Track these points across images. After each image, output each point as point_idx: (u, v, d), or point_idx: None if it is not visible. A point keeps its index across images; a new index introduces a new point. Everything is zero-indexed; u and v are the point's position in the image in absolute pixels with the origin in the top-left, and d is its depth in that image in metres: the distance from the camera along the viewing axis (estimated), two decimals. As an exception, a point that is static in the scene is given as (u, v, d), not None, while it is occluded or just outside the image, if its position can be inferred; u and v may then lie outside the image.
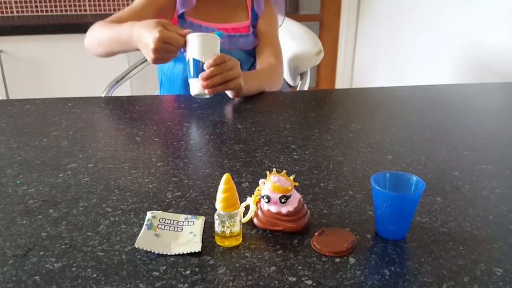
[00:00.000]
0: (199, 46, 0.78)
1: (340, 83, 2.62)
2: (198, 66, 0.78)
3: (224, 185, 0.41)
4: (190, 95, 0.82)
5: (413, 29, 1.97)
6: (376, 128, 0.73)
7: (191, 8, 1.01)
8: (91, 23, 2.12)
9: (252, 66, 1.09)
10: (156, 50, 0.76)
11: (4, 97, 2.01)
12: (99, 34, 0.93)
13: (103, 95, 1.31)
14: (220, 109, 0.82)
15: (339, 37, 2.55)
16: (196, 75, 0.78)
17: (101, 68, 2.01)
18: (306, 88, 1.26)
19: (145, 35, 0.77)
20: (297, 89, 1.26)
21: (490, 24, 1.52)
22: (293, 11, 3.23)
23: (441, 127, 0.73)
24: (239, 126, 0.73)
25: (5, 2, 2.26)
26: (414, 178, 0.42)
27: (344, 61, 2.58)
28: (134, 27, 0.80)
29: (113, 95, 1.28)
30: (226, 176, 0.41)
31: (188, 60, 0.80)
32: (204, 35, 0.78)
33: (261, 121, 0.75)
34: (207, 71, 0.77)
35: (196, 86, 0.79)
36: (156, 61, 0.79)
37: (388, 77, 2.21)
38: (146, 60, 1.45)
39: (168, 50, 0.77)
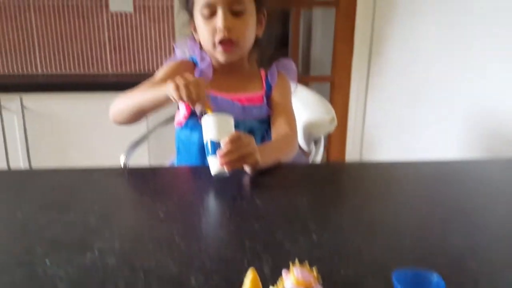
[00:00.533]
0: (214, 128, 0.82)
1: (351, 142, 2.65)
2: (215, 146, 0.82)
3: (250, 284, 0.42)
4: (208, 165, 0.85)
5: (425, 93, 2.03)
6: (392, 209, 0.74)
7: (207, 82, 1.06)
8: (112, 82, 2.22)
9: (266, 133, 1.12)
10: (182, 85, 0.82)
11: (25, 153, 2.07)
12: (126, 99, 0.98)
13: (123, 157, 1.35)
14: (238, 182, 0.84)
15: (350, 98, 2.61)
16: (214, 153, 0.82)
17: (118, 127, 2.08)
18: (320, 154, 1.29)
19: (178, 77, 0.83)
20: (312, 155, 1.29)
21: (506, 94, 1.56)
22: (304, 73, 3.34)
23: (455, 208, 0.75)
24: (257, 202, 0.75)
25: (30, 61, 2.37)
26: (435, 277, 0.43)
27: (354, 121, 2.63)
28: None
29: (132, 157, 1.33)
30: (252, 276, 0.42)
31: (206, 142, 0.83)
32: (218, 116, 0.83)
33: (279, 196, 0.78)
34: (223, 149, 0.80)
35: (215, 164, 0.82)
36: (175, 91, 0.83)
37: (399, 140, 2.24)
38: (164, 123, 1.51)
39: (191, 93, 0.82)
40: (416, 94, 2.09)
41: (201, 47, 1.11)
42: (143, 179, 0.86)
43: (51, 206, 0.73)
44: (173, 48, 1.20)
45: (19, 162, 2.09)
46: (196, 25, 1.07)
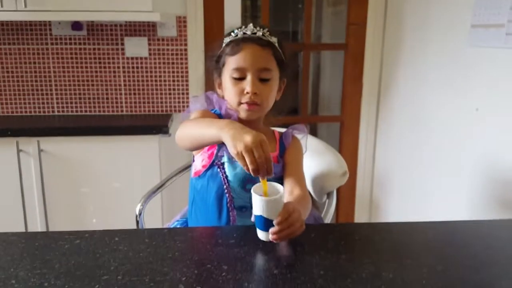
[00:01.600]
0: (267, 207, 0.86)
1: (361, 182, 2.67)
2: (267, 223, 0.86)
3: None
4: (225, 226, 0.89)
5: (435, 135, 2.05)
6: (407, 278, 0.76)
7: None
8: (127, 126, 2.28)
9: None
10: (252, 146, 0.82)
11: (41, 196, 2.11)
12: (190, 126, 1.03)
13: (138, 206, 1.39)
14: (254, 248, 0.87)
15: (359, 138, 2.65)
16: (263, 227, 0.87)
17: (136, 168, 2.13)
18: (333, 206, 1.32)
19: (247, 131, 0.85)
20: (325, 206, 1.32)
21: None
22: (313, 113, 3.39)
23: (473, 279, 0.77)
24: (275, 272, 0.78)
25: (47, 102, 2.44)
26: None
27: (364, 161, 2.65)
28: (222, 132, 0.89)
29: (147, 206, 1.36)
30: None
31: (258, 216, 0.87)
32: (270, 200, 0.86)
33: (295, 265, 0.80)
34: (276, 228, 0.84)
35: (264, 236, 0.87)
36: (239, 158, 0.84)
37: (410, 182, 2.26)
38: (178, 173, 1.54)
39: (259, 156, 0.82)
40: (426, 136, 2.12)
41: None
42: (163, 243, 0.88)
43: (77, 276, 0.76)
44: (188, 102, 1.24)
45: (34, 205, 2.13)
46: (223, 83, 1.15)
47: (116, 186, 2.16)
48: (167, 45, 2.41)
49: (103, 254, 0.84)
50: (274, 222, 0.84)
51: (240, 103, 1.10)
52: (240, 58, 1.08)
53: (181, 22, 2.39)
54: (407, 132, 2.29)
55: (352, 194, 2.71)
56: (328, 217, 1.28)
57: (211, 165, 1.12)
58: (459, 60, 1.87)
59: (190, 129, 1.02)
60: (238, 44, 1.09)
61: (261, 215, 0.86)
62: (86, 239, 0.90)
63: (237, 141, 0.83)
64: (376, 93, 2.56)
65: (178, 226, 1.24)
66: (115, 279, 0.75)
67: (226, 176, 1.11)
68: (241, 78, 1.09)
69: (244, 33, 1.10)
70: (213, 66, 1.18)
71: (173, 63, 2.43)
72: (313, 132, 3.26)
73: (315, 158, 1.38)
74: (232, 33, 1.12)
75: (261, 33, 1.10)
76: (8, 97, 2.42)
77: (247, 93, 1.08)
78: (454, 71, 1.91)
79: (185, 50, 2.42)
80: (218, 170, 1.11)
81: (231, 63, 1.10)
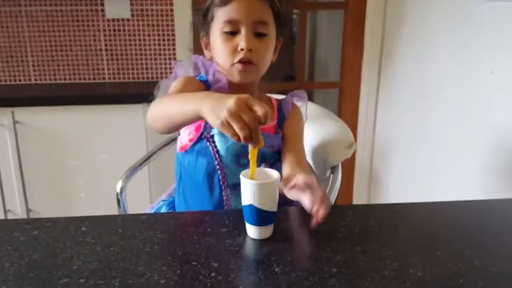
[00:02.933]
0: (257, 194, 0.69)
1: (361, 150, 2.53)
2: (255, 213, 0.70)
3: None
4: (216, 211, 0.78)
5: (439, 100, 1.90)
6: (439, 276, 0.62)
7: None
8: (109, 94, 2.10)
9: (275, 163, 1.01)
10: (237, 109, 0.64)
11: (18, 170, 1.95)
12: (162, 106, 0.83)
13: (120, 183, 1.24)
14: (250, 239, 0.72)
15: (360, 105, 2.49)
16: (253, 221, 0.71)
17: (119, 141, 1.97)
18: (338, 182, 1.17)
19: (228, 96, 0.66)
20: (329, 183, 1.17)
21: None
22: (309, 79, 3.21)
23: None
24: (276, 270, 0.63)
25: (22, 70, 2.25)
26: None
27: (364, 129, 2.50)
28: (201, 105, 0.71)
29: (131, 181, 1.21)
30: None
31: (244, 207, 0.72)
32: (263, 185, 0.69)
33: (301, 260, 0.65)
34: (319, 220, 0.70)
35: (254, 232, 0.72)
36: (225, 127, 0.66)
37: (412, 150, 2.12)
38: (166, 145, 1.38)
39: (249, 119, 0.64)
40: (432, 102, 1.96)
41: None
42: (140, 234, 0.73)
43: (29, 278, 0.60)
44: (172, 67, 1.07)
45: (12, 181, 1.97)
46: (212, 42, 0.98)
47: (100, 158, 2.00)
48: (151, 4, 2.19)
49: (65, 248, 0.68)
50: (313, 209, 0.69)
51: (232, 64, 0.94)
52: (232, 9, 0.92)
53: (166, -21, 2.18)
54: (412, 99, 2.13)
55: (351, 165, 2.57)
56: (334, 195, 1.13)
57: (199, 139, 0.97)
58: (471, 17, 1.69)
59: (163, 107, 0.83)
60: None
61: (251, 205, 0.70)
62: (47, 230, 0.74)
63: (218, 109, 0.66)
64: (378, 56, 2.38)
65: (163, 208, 1.09)
66: (77, 283, 0.60)
67: (217, 151, 0.95)
68: (234, 33, 0.93)
69: None
70: (200, 22, 1.01)
71: (158, 25, 2.22)
72: (309, 100, 3.08)
73: (317, 127, 1.22)
74: None
75: None
76: (-21, 64, 2.22)
77: (241, 49, 0.92)
78: (465, 29, 1.73)
79: (171, 10, 2.21)
80: (208, 144, 0.96)
81: (222, 15, 0.93)
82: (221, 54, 0.95)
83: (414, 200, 0.88)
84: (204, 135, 0.96)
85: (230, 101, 0.65)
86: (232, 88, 0.98)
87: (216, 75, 0.98)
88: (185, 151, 1.00)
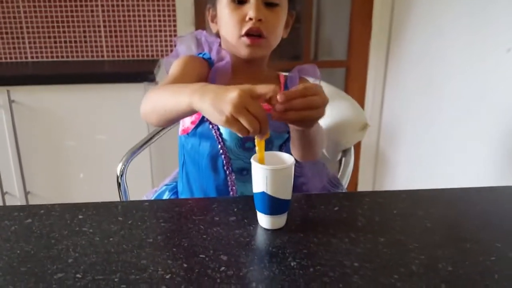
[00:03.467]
0: (270, 180, 0.63)
1: (367, 133, 2.45)
2: (268, 201, 0.64)
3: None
4: (223, 197, 0.72)
5: (450, 82, 1.82)
6: (472, 271, 0.56)
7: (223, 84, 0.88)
8: (108, 72, 2.03)
9: (284, 144, 0.95)
10: (242, 101, 0.58)
11: (15, 151, 1.89)
12: (155, 98, 0.77)
13: (120, 166, 1.18)
14: (262, 228, 0.66)
15: (367, 84, 2.41)
16: (266, 210, 0.65)
17: (119, 121, 1.90)
18: (351, 166, 1.11)
19: (226, 88, 0.60)
20: (341, 166, 1.11)
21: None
22: (314, 58, 3.11)
23: None
24: (292, 264, 0.57)
25: (19, 48, 2.17)
26: None
27: (371, 110, 2.43)
28: (194, 99, 0.64)
29: (131, 163, 1.15)
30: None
31: (256, 194, 0.65)
32: (277, 170, 0.63)
33: (319, 255, 0.59)
34: (283, 105, 0.61)
35: (267, 222, 0.66)
36: (232, 118, 0.59)
37: (419, 132, 2.05)
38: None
39: (256, 111, 0.59)
40: (443, 82, 1.88)
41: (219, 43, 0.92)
42: (142, 222, 0.67)
43: (21, 273, 0.55)
44: (174, 43, 0.99)
45: (9, 163, 1.91)
46: (218, 13, 0.90)
47: (99, 139, 1.94)
48: (151, -22, 2.10)
49: (61, 239, 0.63)
50: (279, 98, 0.60)
51: (240, 36, 0.86)
52: None
53: (167, -50, 2.08)
54: (421, 79, 2.05)
55: (357, 146, 2.50)
56: (346, 179, 1.07)
57: (201, 121, 0.90)
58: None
59: (154, 101, 0.76)
60: None
61: (263, 192, 0.64)
62: (41, 217, 0.69)
63: (221, 104, 0.59)
64: (386, 34, 2.29)
65: (166, 194, 1.02)
66: (73, 278, 0.54)
67: (220, 134, 0.88)
68: (243, 2, 0.85)
69: None
70: None
71: None
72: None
73: (328, 108, 1.15)
74: None
75: None
76: (-28, 42, 2.14)
77: (250, 19, 0.84)
78: (479, 6, 1.65)
79: (173, -16, 2.12)
80: (210, 126, 0.89)
81: None
82: (228, 25, 0.87)
83: (421, 184, 0.82)
84: (206, 118, 0.89)
85: (233, 94, 0.58)
86: (239, 65, 0.91)
87: (219, 52, 0.91)
88: (187, 134, 0.93)
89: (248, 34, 0.85)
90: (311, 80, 1.00)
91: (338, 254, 0.59)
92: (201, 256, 0.59)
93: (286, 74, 1.01)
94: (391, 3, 2.23)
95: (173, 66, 0.89)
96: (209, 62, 0.91)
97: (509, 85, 1.50)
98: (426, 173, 2.00)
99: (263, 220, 0.66)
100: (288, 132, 0.94)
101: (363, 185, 2.55)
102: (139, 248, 0.60)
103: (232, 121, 0.58)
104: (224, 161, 0.89)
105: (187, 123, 0.93)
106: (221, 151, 0.89)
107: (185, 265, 0.57)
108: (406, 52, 2.19)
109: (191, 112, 0.67)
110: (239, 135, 0.60)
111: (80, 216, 0.69)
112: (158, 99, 0.75)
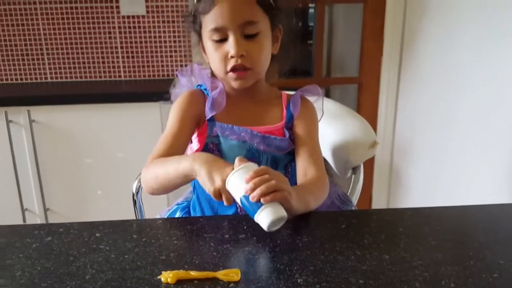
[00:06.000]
0: (240, 183, 0.69)
1: (381, 148, 2.47)
2: (249, 201, 0.68)
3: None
4: (234, 215, 0.78)
5: (464, 97, 1.83)
6: (475, 286, 0.58)
7: (220, 111, 0.92)
8: (125, 92, 2.08)
9: (290, 164, 0.97)
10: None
11: (35, 170, 1.95)
12: (154, 171, 0.85)
13: (135, 184, 1.21)
14: (270, 246, 0.69)
15: (379, 100, 2.43)
16: (257, 207, 0.69)
17: (136, 139, 1.95)
18: (360, 182, 1.13)
19: (208, 181, 0.74)
20: (351, 183, 1.13)
21: None
22: (326, 75, 3.14)
23: None
24: (299, 280, 0.59)
25: (38, 68, 2.25)
26: None
27: (384, 127, 2.44)
28: (195, 164, 0.77)
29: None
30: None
31: (243, 202, 0.69)
32: (236, 173, 0.70)
33: (325, 272, 0.61)
34: (250, 184, 0.68)
35: (263, 219, 0.69)
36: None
37: (433, 148, 2.05)
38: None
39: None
40: (456, 97, 1.89)
41: (211, 72, 0.96)
42: (155, 240, 0.70)
43: (37, 286, 0.58)
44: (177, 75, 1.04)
45: (29, 180, 1.97)
46: (205, 48, 0.93)
47: (117, 156, 1.99)
48: (166, 1, 2.17)
49: (79, 256, 0.66)
50: (245, 179, 0.69)
51: (226, 72, 0.88)
52: (215, 15, 0.85)
53: (181, -26, 2.15)
54: (434, 94, 2.06)
55: (371, 162, 2.51)
56: (355, 196, 1.09)
57: (205, 149, 0.94)
58: (499, 6, 1.62)
59: (152, 173, 0.85)
60: None
61: (241, 197, 0.70)
62: (60, 235, 0.72)
63: (210, 181, 0.74)
64: (398, 50, 2.31)
65: (178, 213, 1.05)
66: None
67: (224, 159, 0.92)
68: (223, 40, 0.87)
69: None
70: (191, 28, 0.95)
71: (173, 21, 2.20)
72: (326, 96, 3.02)
73: (337, 126, 1.17)
74: None
75: None
76: (-5, 63, 2.22)
77: (232, 57, 0.86)
78: (492, 20, 1.66)
79: (186, 6, 2.18)
80: (214, 154, 0.92)
81: (207, 23, 0.87)
82: (213, 63, 0.90)
83: (437, 202, 0.83)
84: (209, 145, 0.93)
85: (211, 188, 0.73)
86: (235, 92, 0.95)
87: (211, 83, 0.94)
88: None
89: (234, 69, 0.87)
90: (313, 98, 1.03)
91: (344, 271, 0.61)
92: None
93: (290, 93, 1.04)
94: (402, 19, 2.26)
95: (171, 112, 0.94)
96: (206, 93, 0.95)
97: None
98: (441, 189, 2.00)
99: (262, 218, 0.68)
100: (293, 151, 0.96)
101: (378, 201, 2.55)
102: (152, 265, 0.63)
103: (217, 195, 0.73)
104: None
105: (193, 151, 0.97)
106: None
107: (195, 281, 0.59)
108: (418, 67, 2.20)
109: (190, 178, 0.79)
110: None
111: (97, 234, 0.72)
112: (156, 171, 0.84)
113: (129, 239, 0.71)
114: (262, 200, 0.68)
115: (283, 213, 0.69)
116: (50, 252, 0.67)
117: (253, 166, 0.71)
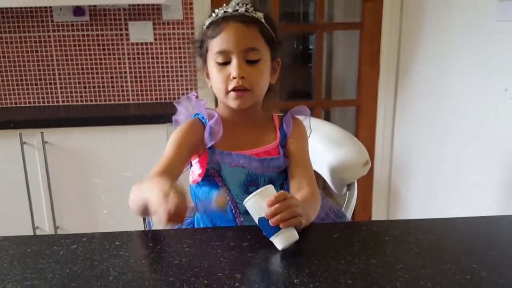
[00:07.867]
0: (259, 205, 0.77)
1: (379, 166, 2.56)
2: (267, 223, 0.77)
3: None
4: (239, 226, 0.85)
5: (458, 119, 1.93)
6: (448, 287, 0.66)
7: (218, 140, 1.01)
8: (134, 115, 2.18)
9: (285, 182, 1.06)
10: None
11: (47, 189, 2.03)
12: (136, 193, 0.91)
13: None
14: (270, 252, 0.77)
15: (377, 121, 2.53)
16: (274, 230, 0.77)
17: (143, 160, 2.04)
18: (354, 198, 1.22)
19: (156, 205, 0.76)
20: (346, 200, 1.21)
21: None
22: (326, 97, 3.26)
23: None
24: (295, 281, 0.68)
25: (51, 92, 2.36)
26: None
27: (382, 146, 2.54)
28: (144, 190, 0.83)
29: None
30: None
31: (259, 221, 0.79)
32: (256, 195, 0.78)
33: (318, 274, 0.70)
34: (272, 209, 0.76)
35: (279, 242, 0.77)
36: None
37: (430, 166, 2.14)
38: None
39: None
40: (449, 119, 1.99)
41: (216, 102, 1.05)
42: (169, 248, 0.79)
43: (67, 286, 0.67)
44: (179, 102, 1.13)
45: (41, 200, 2.06)
46: (209, 71, 1.02)
47: (125, 176, 2.07)
48: (173, 29, 2.30)
49: (102, 261, 0.75)
50: (266, 203, 0.76)
51: (227, 92, 0.98)
52: (222, 40, 0.96)
53: (187, 4, 2.27)
54: (428, 116, 2.16)
55: (370, 181, 2.60)
56: (350, 210, 1.18)
57: (206, 174, 1.02)
58: (486, 36, 1.73)
59: (132, 197, 0.92)
60: (218, 24, 0.96)
61: (259, 218, 0.78)
62: (84, 244, 0.81)
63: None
64: (394, 74, 2.43)
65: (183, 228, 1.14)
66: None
67: (225, 183, 1.01)
68: (226, 63, 0.97)
69: (225, 11, 0.97)
70: (198, 52, 1.05)
71: (179, 48, 2.33)
72: (327, 118, 3.14)
73: (333, 147, 1.27)
74: (213, 13, 1.00)
75: (243, 9, 0.97)
76: (10, 88, 2.34)
77: (234, 78, 0.96)
78: (480, 48, 1.77)
79: (192, 34, 2.30)
80: (215, 178, 1.01)
81: (214, 46, 0.97)
82: (216, 83, 0.99)
83: (433, 216, 0.92)
84: (210, 171, 1.01)
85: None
86: (234, 114, 1.04)
87: (209, 112, 1.04)
88: (198, 184, 1.05)
89: (234, 89, 0.97)
90: (302, 117, 1.12)
91: (335, 273, 0.70)
92: (219, 274, 0.70)
93: (281, 114, 1.13)
94: (397, 45, 2.38)
95: (169, 139, 1.02)
96: (204, 121, 1.04)
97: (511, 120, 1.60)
98: (438, 205, 2.08)
99: (278, 241, 0.77)
100: (285, 170, 1.05)
101: (377, 218, 2.62)
102: (167, 268, 0.72)
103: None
104: (232, 206, 1.01)
105: (195, 175, 1.05)
106: (228, 198, 1.01)
107: (205, 281, 0.68)
108: (413, 89, 2.31)
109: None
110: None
111: (117, 243, 0.81)
112: (134, 196, 0.90)
113: (145, 246, 0.80)
114: (280, 225, 0.76)
115: (296, 237, 0.78)
116: (76, 257, 0.76)
117: (272, 191, 0.79)
